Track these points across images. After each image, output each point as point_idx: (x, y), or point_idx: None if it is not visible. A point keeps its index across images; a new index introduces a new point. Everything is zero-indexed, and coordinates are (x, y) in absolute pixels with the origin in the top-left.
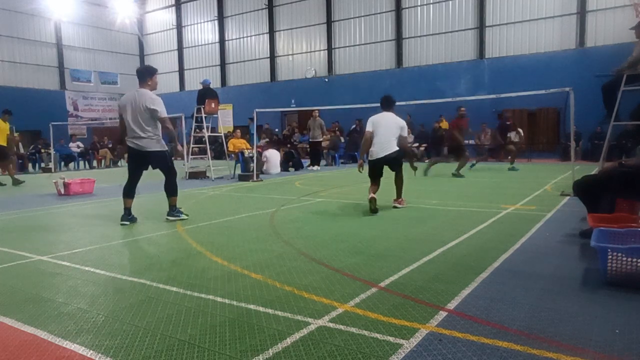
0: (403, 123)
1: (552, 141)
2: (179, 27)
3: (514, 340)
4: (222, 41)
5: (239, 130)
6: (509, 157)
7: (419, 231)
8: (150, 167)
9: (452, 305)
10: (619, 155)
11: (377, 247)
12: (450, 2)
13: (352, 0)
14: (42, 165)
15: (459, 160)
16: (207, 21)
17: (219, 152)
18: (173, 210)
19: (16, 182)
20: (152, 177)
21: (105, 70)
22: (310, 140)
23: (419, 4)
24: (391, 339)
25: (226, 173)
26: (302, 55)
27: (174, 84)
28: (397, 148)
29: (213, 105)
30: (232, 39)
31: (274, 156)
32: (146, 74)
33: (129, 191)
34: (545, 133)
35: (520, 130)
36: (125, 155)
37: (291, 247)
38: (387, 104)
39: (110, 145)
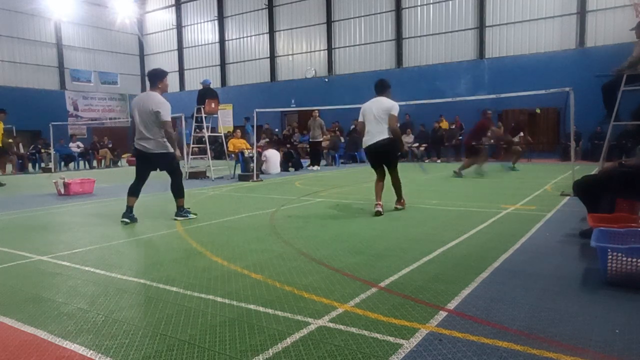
0: (391, 104)
1: (552, 141)
2: (179, 27)
3: (514, 340)
4: (222, 41)
5: (239, 130)
6: (513, 158)
7: (419, 231)
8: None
9: (452, 305)
10: (619, 155)
11: (377, 247)
12: (450, 2)
13: (352, 0)
14: (42, 165)
15: (475, 161)
16: (207, 21)
17: (219, 152)
18: (181, 210)
19: None
20: (157, 177)
21: (105, 70)
22: (310, 140)
23: (419, 4)
24: (391, 339)
25: (226, 173)
26: (302, 55)
27: (174, 84)
28: (388, 135)
29: (213, 105)
30: (232, 39)
31: (273, 156)
32: (157, 77)
33: (134, 190)
34: (545, 133)
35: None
36: (125, 155)
37: (291, 247)
38: (380, 88)
39: (110, 145)
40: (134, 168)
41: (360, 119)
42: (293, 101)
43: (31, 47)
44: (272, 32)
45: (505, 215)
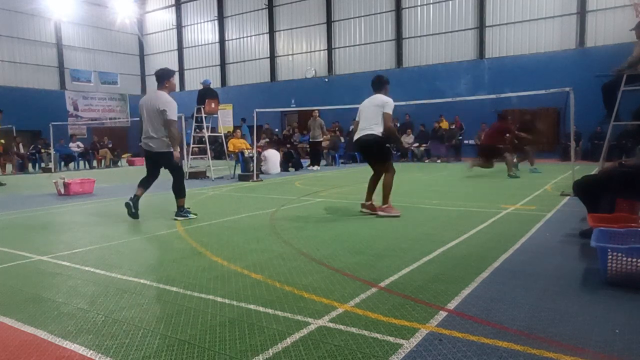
0: (383, 101)
1: (552, 141)
2: (179, 27)
3: (514, 340)
4: (222, 41)
5: (239, 130)
6: (528, 158)
7: (419, 231)
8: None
9: (452, 305)
10: (619, 155)
11: (377, 247)
12: (450, 2)
13: (352, 0)
14: (42, 165)
15: (504, 160)
16: (207, 21)
17: (219, 152)
18: (181, 210)
19: None
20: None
21: (105, 70)
22: (311, 140)
23: (419, 4)
24: (391, 339)
25: (226, 173)
26: (302, 55)
27: None
28: (375, 132)
29: (213, 105)
30: (232, 39)
31: (273, 156)
32: (164, 77)
33: (144, 183)
34: (545, 133)
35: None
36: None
37: (291, 247)
38: (376, 86)
39: (110, 145)
40: (133, 168)
41: (357, 119)
42: (293, 101)
43: (31, 47)
44: (272, 32)
45: (505, 215)
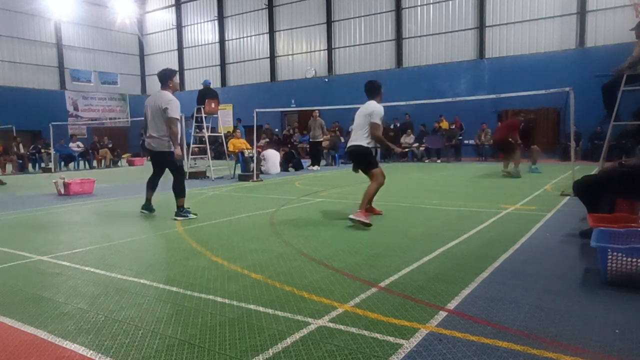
0: (370, 109)
1: (552, 141)
2: (179, 27)
3: (514, 340)
4: (222, 41)
5: (239, 130)
6: (532, 158)
7: (419, 231)
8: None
9: (452, 305)
10: (619, 155)
11: (377, 247)
12: (450, 2)
13: (352, 0)
14: (42, 165)
15: (511, 159)
16: (207, 21)
17: (219, 152)
18: (181, 210)
19: None
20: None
21: (105, 70)
22: (311, 140)
23: (419, 4)
24: (391, 339)
25: (226, 173)
26: (302, 55)
27: None
28: (361, 142)
29: (213, 105)
30: (232, 39)
31: (273, 156)
32: (167, 77)
33: (151, 183)
34: (545, 133)
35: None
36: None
37: (291, 247)
38: (368, 91)
39: (110, 145)
40: (133, 168)
41: (352, 125)
42: (293, 101)
43: (31, 47)
44: (272, 32)
45: (505, 215)
